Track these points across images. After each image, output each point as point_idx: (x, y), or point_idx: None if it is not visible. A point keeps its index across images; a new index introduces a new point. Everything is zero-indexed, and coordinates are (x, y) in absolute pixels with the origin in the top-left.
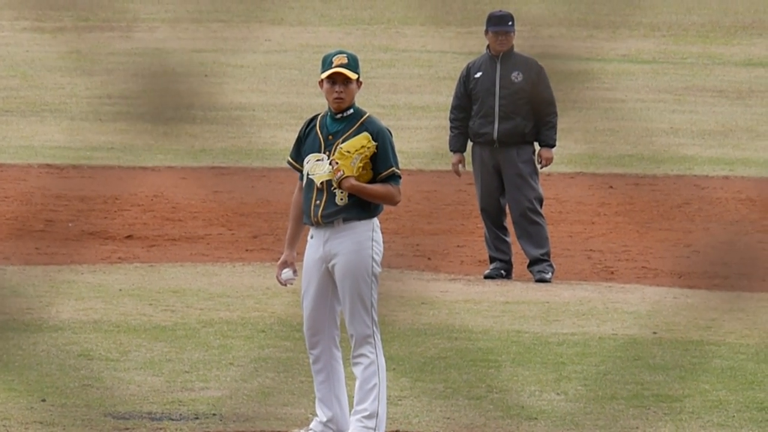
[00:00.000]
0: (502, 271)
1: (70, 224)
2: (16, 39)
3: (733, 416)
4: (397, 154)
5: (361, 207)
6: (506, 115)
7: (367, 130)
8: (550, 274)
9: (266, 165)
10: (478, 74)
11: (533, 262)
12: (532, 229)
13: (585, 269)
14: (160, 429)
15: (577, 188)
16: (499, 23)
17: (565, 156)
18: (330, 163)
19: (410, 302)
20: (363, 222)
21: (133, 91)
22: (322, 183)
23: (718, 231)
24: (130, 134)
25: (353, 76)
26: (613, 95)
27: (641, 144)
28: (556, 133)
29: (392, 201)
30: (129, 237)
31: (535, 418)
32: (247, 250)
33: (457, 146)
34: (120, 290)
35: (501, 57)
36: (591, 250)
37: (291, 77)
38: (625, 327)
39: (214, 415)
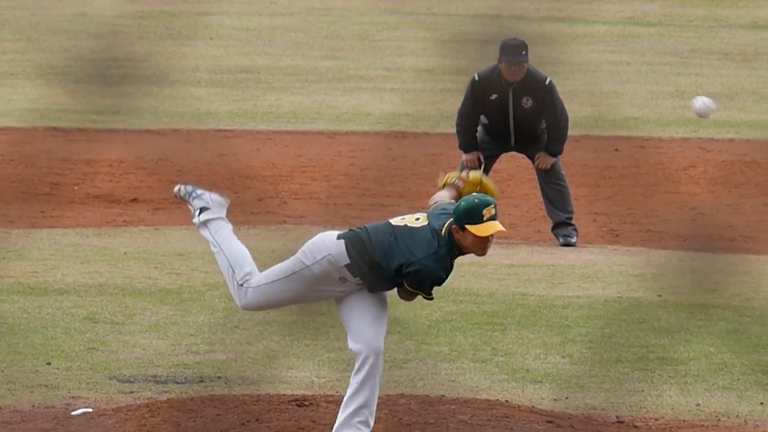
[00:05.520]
0: None
1: (75, 187)
2: (22, 2)
3: (738, 379)
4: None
5: None
6: (520, 133)
7: None
8: (575, 238)
9: (271, 128)
10: (494, 96)
11: (558, 225)
12: (555, 193)
13: (590, 232)
14: (165, 392)
15: (582, 151)
16: (513, 53)
17: (571, 119)
18: None
19: None
20: None
21: (138, 54)
22: None
23: (723, 194)
24: (136, 97)
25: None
26: (618, 58)
27: (647, 107)
28: (562, 145)
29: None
30: (134, 200)
31: (540, 381)
32: (252, 213)
33: (472, 146)
34: (125, 253)
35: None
36: (596, 212)
37: (296, 40)
38: (630, 290)
39: (219, 378)
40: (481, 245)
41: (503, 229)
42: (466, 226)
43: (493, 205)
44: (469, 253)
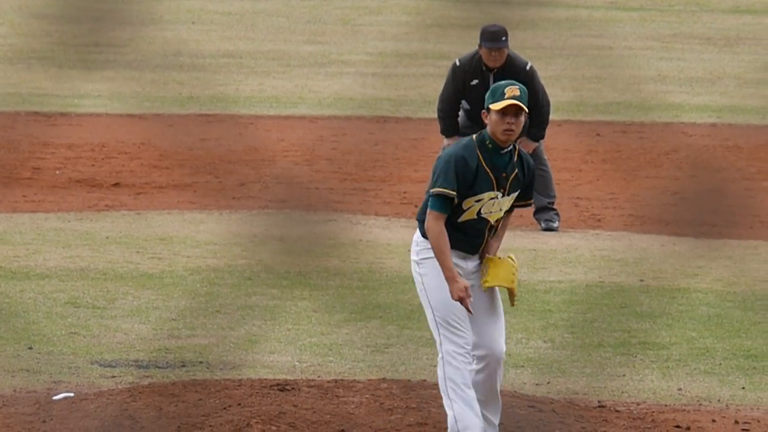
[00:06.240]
0: None
1: (57, 172)
2: None
3: (720, 364)
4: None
5: None
6: None
7: (524, 162)
8: (557, 222)
9: (253, 112)
10: (474, 82)
11: (540, 210)
12: (537, 178)
13: (572, 217)
14: (147, 377)
15: (564, 136)
16: (493, 39)
17: (553, 104)
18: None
19: (397, 250)
20: None
21: (120, 39)
22: (496, 221)
23: (705, 178)
24: (118, 82)
25: (526, 108)
26: (600, 42)
27: (629, 91)
28: (544, 130)
29: None
30: (116, 184)
31: (522, 366)
32: (234, 198)
33: (453, 131)
34: (107, 238)
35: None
36: (578, 197)
37: (278, 24)
38: (612, 275)
39: (200, 362)
40: (499, 122)
41: (519, 104)
42: (489, 106)
43: (518, 87)
44: (496, 138)
